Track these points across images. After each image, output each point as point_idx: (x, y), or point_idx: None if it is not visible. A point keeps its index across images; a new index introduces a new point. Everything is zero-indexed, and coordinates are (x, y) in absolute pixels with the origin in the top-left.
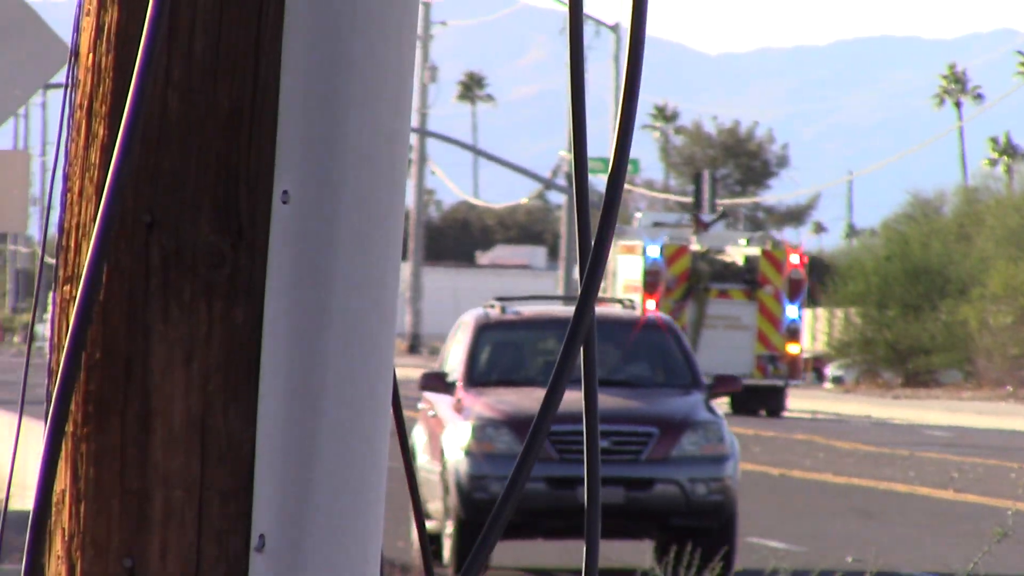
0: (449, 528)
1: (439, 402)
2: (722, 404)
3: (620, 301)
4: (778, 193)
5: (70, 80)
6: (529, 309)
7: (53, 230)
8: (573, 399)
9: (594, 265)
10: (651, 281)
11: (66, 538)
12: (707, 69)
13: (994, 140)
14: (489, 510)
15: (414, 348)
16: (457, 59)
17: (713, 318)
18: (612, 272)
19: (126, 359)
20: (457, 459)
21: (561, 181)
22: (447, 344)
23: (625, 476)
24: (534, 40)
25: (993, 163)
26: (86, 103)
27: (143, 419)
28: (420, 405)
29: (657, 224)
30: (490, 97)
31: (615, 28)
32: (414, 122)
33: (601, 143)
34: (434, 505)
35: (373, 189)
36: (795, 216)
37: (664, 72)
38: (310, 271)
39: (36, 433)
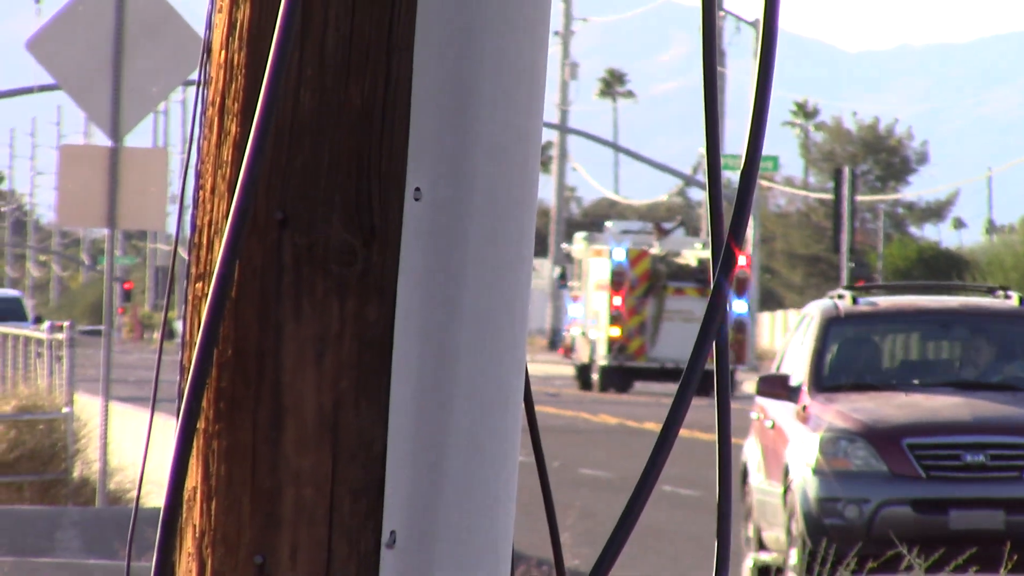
0: (793, 559)
1: (779, 411)
2: (671, 387)
3: (992, 289)
4: (918, 189)
5: (202, 77)
6: (886, 300)
7: (189, 228)
8: (941, 405)
9: (727, 261)
10: (617, 280)
11: (197, 535)
12: (847, 66)
13: None
14: (844, 538)
15: (554, 344)
16: (598, 55)
17: (670, 312)
18: (585, 272)
19: (258, 356)
20: (804, 478)
21: (702, 178)
22: (785, 341)
23: (1005, 497)
24: (675, 36)
25: None
26: (218, 100)
27: (275, 416)
28: (753, 414)
29: (625, 231)
30: (631, 93)
31: (755, 24)
32: (554, 118)
33: (742, 140)
34: (774, 533)
35: (505, 186)
36: (935, 212)
37: (804, 69)
38: (442, 268)
39: (168, 430)
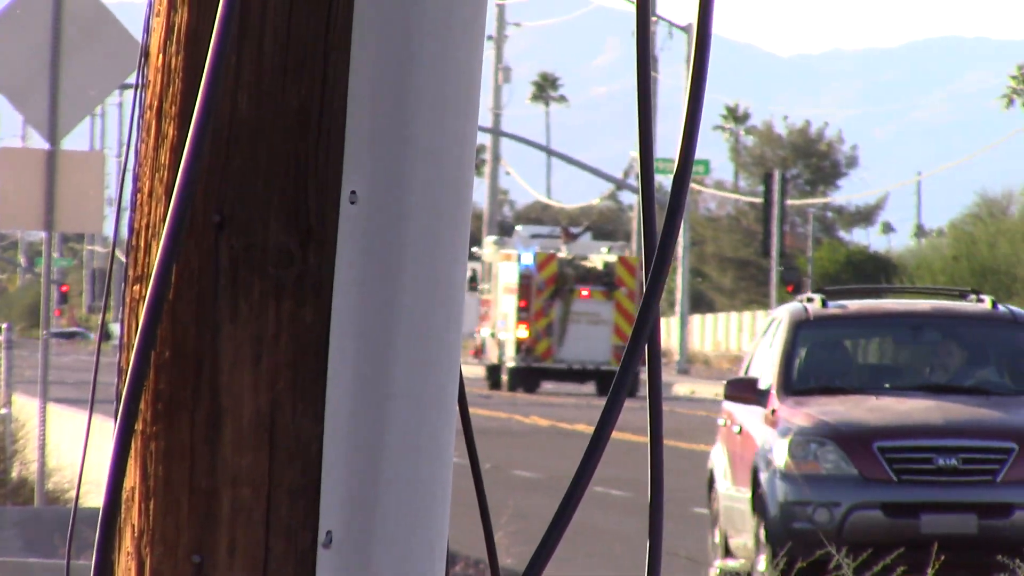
0: (761, 565)
1: (747, 415)
2: (589, 387)
3: (964, 293)
4: (847, 193)
5: (140, 80)
6: (855, 303)
7: (126, 230)
8: (912, 408)
9: (659, 265)
10: (524, 284)
11: (136, 535)
12: (779, 70)
13: None
14: (814, 543)
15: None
16: (531, 60)
17: (577, 314)
18: (494, 276)
19: (195, 358)
20: (773, 482)
21: (633, 182)
22: (753, 345)
23: (978, 501)
24: (608, 41)
25: None
26: (156, 103)
27: (212, 418)
28: (720, 420)
29: (534, 236)
30: (563, 98)
31: (687, 29)
32: (488, 122)
33: (674, 144)
34: (741, 539)
35: (441, 189)
36: (864, 216)
37: (736, 73)
38: (378, 270)
39: (107, 431)
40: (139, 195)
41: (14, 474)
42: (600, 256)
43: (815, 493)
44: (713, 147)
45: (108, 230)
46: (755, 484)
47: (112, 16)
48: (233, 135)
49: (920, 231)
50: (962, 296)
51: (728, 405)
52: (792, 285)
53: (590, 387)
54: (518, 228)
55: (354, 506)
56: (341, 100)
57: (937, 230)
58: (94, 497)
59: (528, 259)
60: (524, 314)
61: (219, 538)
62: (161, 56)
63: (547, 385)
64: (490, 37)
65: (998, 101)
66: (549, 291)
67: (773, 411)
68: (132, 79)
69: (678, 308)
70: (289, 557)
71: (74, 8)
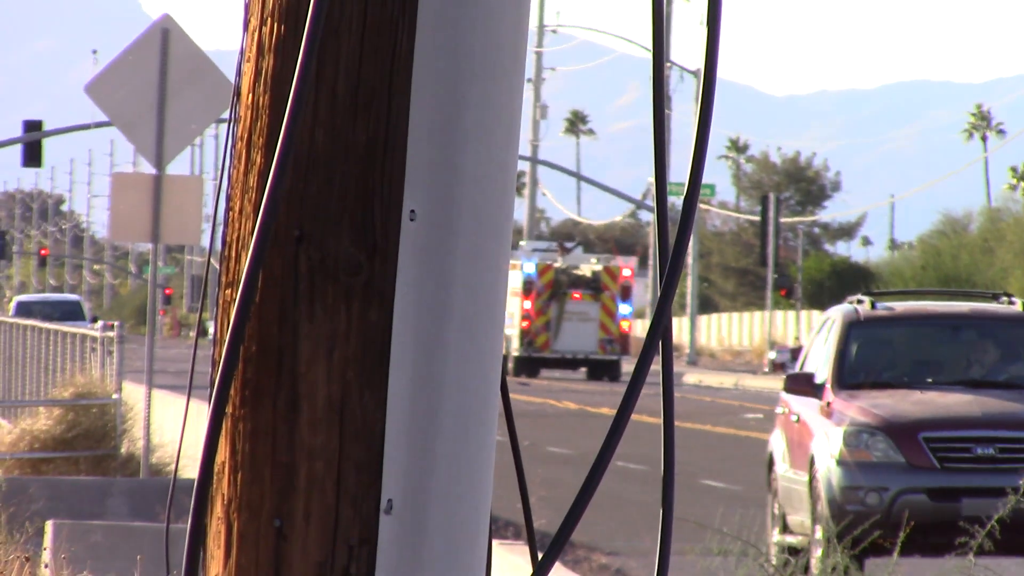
0: (818, 534)
1: (803, 406)
2: (580, 373)
3: (996, 296)
4: (832, 212)
5: (232, 116)
6: (902, 305)
7: (220, 243)
8: (954, 402)
9: (671, 273)
10: (527, 288)
11: (225, 502)
12: (773, 108)
13: (1014, 169)
14: (864, 523)
15: None
16: (564, 99)
17: (570, 314)
18: None
19: (278, 352)
20: (828, 468)
21: (650, 203)
22: (808, 343)
23: (1013, 486)
24: (629, 83)
25: (1013, 188)
26: (246, 135)
27: (291, 403)
28: (778, 409)
29: (535, 249)
30: (591, 131)
31: (696, 73)
32: (527, 152)
33: (685, 171)
34: (799, 517)
35: (487, 208)
36: (846, 232)
37: (737, 111)
38: (433, 278)
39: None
40: (231, 213)
41: (123, 450)
42: (589, 266)
43: (866, 478)
44: (718, 173)
45: (205, 242)
46: (811, 468)
47: (210, 61)
48: (311, 163)
49: (893, 245)
50: (995, 299)
51: (786, 396)
52: (785, 290)
53: (581, 373)
54: (522, 243)
55: (411, 478)
56: (402, 134)
57: (908, 244)
58: (190, 470)
59: (530, 268)
60: (527, 313)
61: (296, 505)
62: (251, 96)
63: (545, 372)
64: (529, 80)
65: (959, 135)
66: (547, 294)
67: (828, 403)
68: (226, 115)
69: (688, 309)
70: (355, 522)
71: (178, 54)
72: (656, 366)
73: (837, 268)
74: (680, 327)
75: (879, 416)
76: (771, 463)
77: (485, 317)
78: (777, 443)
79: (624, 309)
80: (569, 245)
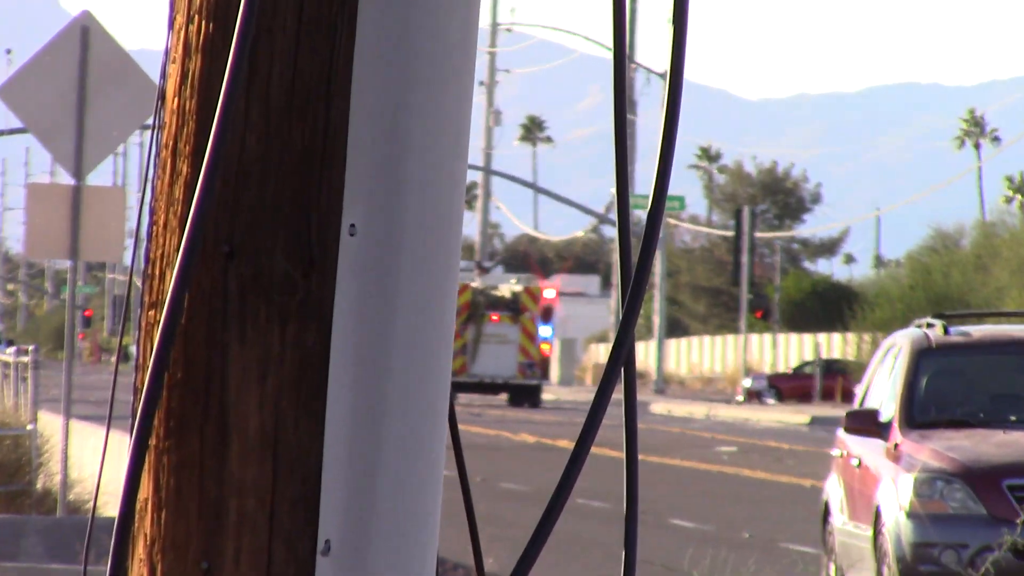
0: None
1: (866, 448)
2: (501, 399)
3: None
4: (812, 227)
5: (157, 122)
6: (978, 330)
7: (143, 260)
8: None
9: (635, 293)
10: None
11: (148, 543)
12: (748, 113)
13: (1010, 179)
14: None
15: None
16: (520, 104)
17: (488, 336)
18: None
19: (205, 378)
20: (897, 521)
21: (613, 216)
22: (869, 373)
23: None
24: (590, 87)
25: (1009, 200)
26: (171, 143)
27: (220, 433)
28: (836, 452)
29: None
30: (549, 139)
31: (663, 76)
32: (479, 161)
33: (651, 182)
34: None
35: (433, 222)
36: (827, 248)
37: (708, 116)
38: (374, 297)
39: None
40: (155, 227)
41: (39, 486)
42: (508, 286)
43: (941, 534)
44: (688, 184)
45: (127, 260)
46: (876, 521)
47: (134, 62)
48: (242, 172)
49: (879, 262)
50: None
51: (844, 436)
52: (760, 311)
53: (502, 397)
54: None
55: (350, 516)
56: (341, 141)
57: (895, 261)
58: (111, 507)
59: None
60: None
61: (225, 546)
62: (176, 99)
63: (462, 397)
64: (481, 83)
65: (950, 143)
66: (464, 316)
67: (896, 445)
68: (150, 120)
69: (655, 332)
70: (290, 564)
71: (99, 54)
72: (618, 394)
73: (818, 287)
74: (646, 352)
75: (956, 460)
76: (826, 514)
77: (432, 339)
78: (834, 491)
79: (545, 331)
80: (487, 265)
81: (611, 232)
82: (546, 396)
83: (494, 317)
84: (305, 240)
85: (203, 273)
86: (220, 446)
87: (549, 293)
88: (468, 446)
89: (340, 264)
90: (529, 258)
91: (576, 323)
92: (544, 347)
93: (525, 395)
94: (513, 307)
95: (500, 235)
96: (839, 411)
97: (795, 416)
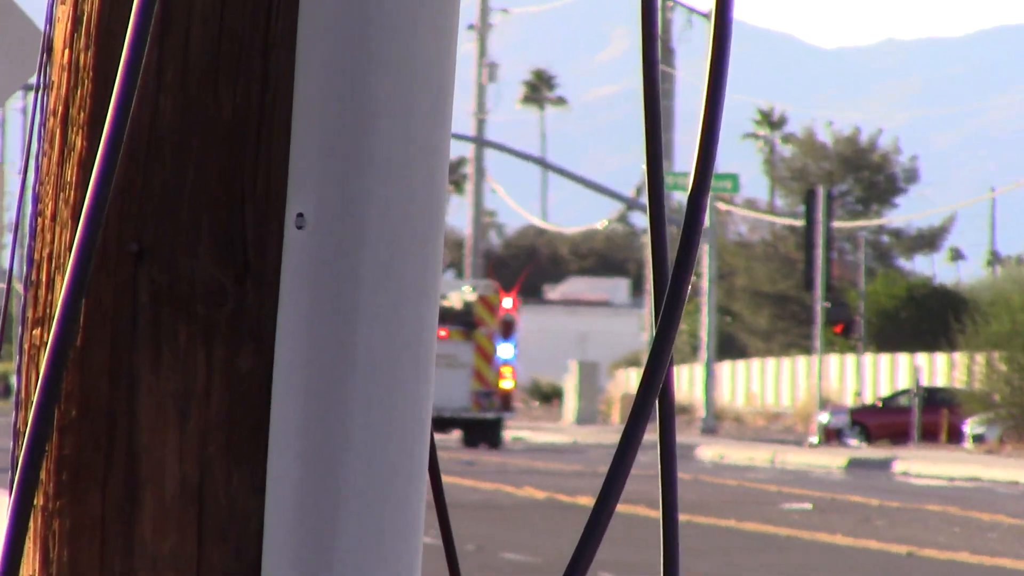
0: None
1: None
2: (453, 438)
3: None
4: (906, 214)
5: (42, 81)
6: None
7: (26, 262)
8: None
9: (672, 302)
10: None
11: None
12: (821, 66)
13: None
14: None
15: None
16: (522, 54)
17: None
18: None
19: (108, 417)
20: None
21: (645, 200)
22: None
23: None
24: (612, 31)
25: None
26: (61, 109)
27: (129, 490)
28: None
29: None
30: (561, 100)
31: (708, 16)
32: (469, 130)
33: (692, 156)
34: None
35: (407, 210)
36: (927, 241)
37: (770, 70)
38: (330, 310)
39: (1, 507)
40: (40, 219)
41: None
42: (459, 295)
43: None
44: (744, 159)
45: (5, 261)
46: None
47: (13, 4)
48: (154, 148)
49: (995, 258)
50: None
51: None
52: (840, 325)
53: (455, 436)
54: None
55: None
56: (285, 106)
57: (1016, 257)
58: None
59: None
60: None
61: None
62: (67, 52)
63: None
64: (471, 26)
65: None
66: None
67: None
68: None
69: (703, 353)
70: None
71: None
72: (653, 434)
73: (915, 293)
74: (691, 379)
75: None
76: None
77: (406, 365)
78: None
79: (505, 351)
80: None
81: (642, 221)
82: (558, 438)
83: (442, 333)
84: (238, 236)
85: (104, 279)
86: (128, 507)
87: (508, 302)
88: (457, 504)
89: (284, 267)
90: (489, 262)
91: (599, 342)
92: (504, 371)
93: (481, 432)
94: (465, 320)
95: (498, 226)
96: (944, 454)
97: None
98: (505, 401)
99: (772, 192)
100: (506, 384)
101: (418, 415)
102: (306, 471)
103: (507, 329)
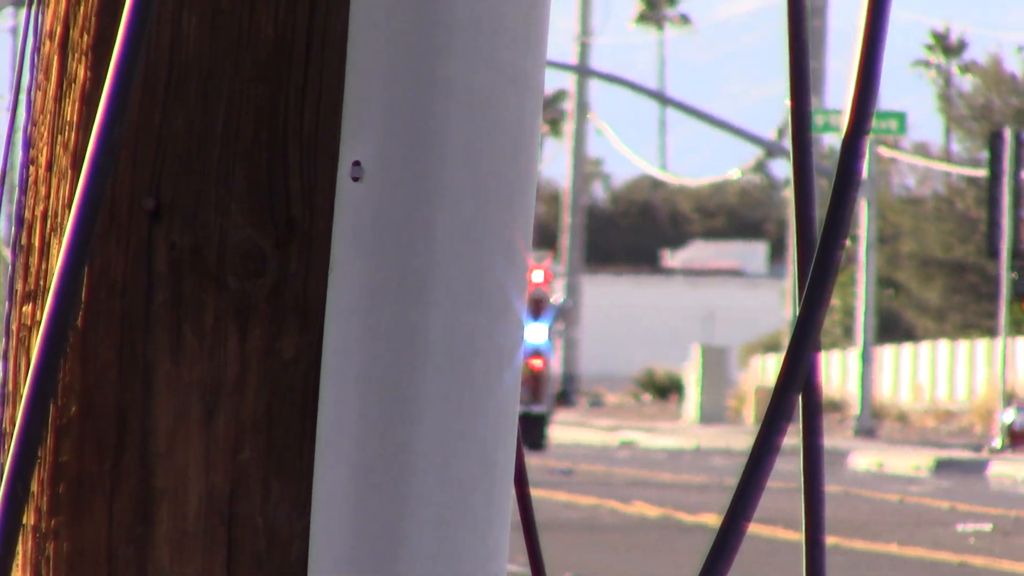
0: None
1: None
2: None
3: None
4: None
5: None
6: None
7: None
8: None
9: (820, 272)
10: None
11: None
12: None
13: None
14: None
15: (565, 396)
16: None
17: None
18: None
19: (117, 415)
20: None
21: (788, 145)
22: None
23: None
24: None
25: None
26: (60, 30)
27: (142, 505)
28: None
29: None
30: (685, 19)
31: None
32: (570, 57)
33: (846, 91)
34: None
35: (491, 157)
36: None
37: None
38: (395, 281)
39: None
40: (33, 168)
41: None
42: None
43: None
44: (913, 93)
45: None
46: None
47: None
48: (175, 79)
49: None
50: None
51: None
52: None
53: None
54: None
55: None
56: (339, 26)
57: None
58: None
59: None
60: None
61: None
62: None
63: None
64: None
65: None
66: None
67: None
68: None
69: (859, 336)
70: None
71: None
72: (794, 438)
73: None
74: (844, 368)
75: None
76: None
77: (488, 350)
78: None
79: (537, 334)
80: None
81: (784, 171)
82: (676, 442)
83: None
84: (280, 189)
85: (112, 243)
86: (141, 526)
87: (537, 275)
88: (549, 525)
89: (337, 227)
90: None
91: (729, 321)
92: (535, 361)
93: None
94: None
95: (604, 177)
96: None
97: None
98: (535, 392)
99: (948, 134)
100: (537, 373)
101: (503, 415)
102: (363, 484)
103: (537, 307)
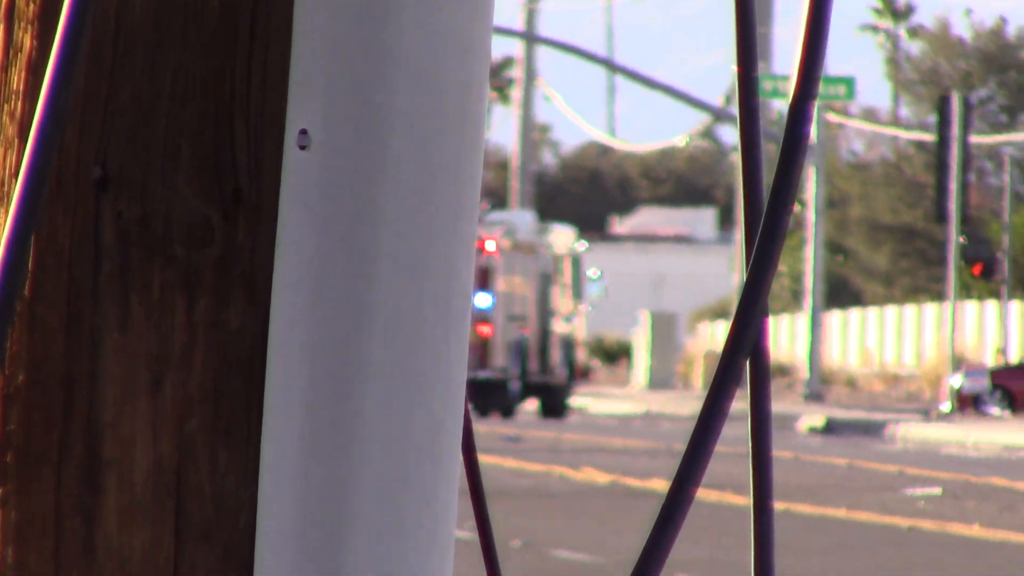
0: None
1: None
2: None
3: None
4: None
5: None
6: None
7: None
8: None
9: (768, 236)
10: None
11: None
12: None
13: None
14: None
15: None
16: None
17: None
18: None
19: (64, 384)
20: None
21: (735, 110)
22: None
23: None
24: None
25: None
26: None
27: (89, 475)
28: None
29: None
30: None
31: None
32: (517, 23)
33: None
34: None
35: (437, 125)
36: None
37: None
38: (341, 250)
39: None
40: None
41: None
42: None
43: None
44: (861, 57)
45: None
46: None
47: None
48: (122, 47)
49: None
50: None
51: None
52: (979, 265)
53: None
54: None
55: None
56: None
57: None
58: None
59: None
60: None
61: None
62: None
63: None
64: None
65: None
66: None
67: None
68: None
69: (808, 301)
70: None
71: None
72: (742, 402)
73: None
74: (792, 333)
75: None
76: None
77: (434, 318)
78: None
79: (481, 301)
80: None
81: (732, 137)
82: (625, 407)
83: None
84: (226, 158)
85: (59, 213)
86: (89, 496)
87: (490, 245)
88: (498, 492)
89: (284, 197)
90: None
91: (677, 287)
92: (482, 327)
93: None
94: None
95: (552, 143)
96: None
97: None
98: (481, 357)
99: (896, 99)
100: (484, 338)
101: (450, 382)
102: (310, 453)
103: (482, 277)
